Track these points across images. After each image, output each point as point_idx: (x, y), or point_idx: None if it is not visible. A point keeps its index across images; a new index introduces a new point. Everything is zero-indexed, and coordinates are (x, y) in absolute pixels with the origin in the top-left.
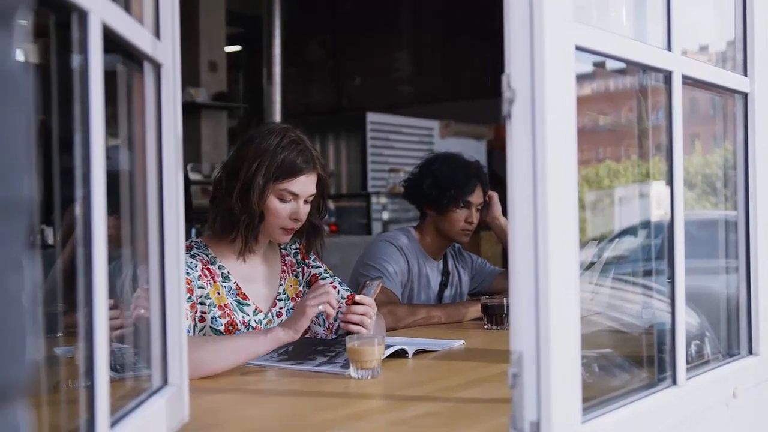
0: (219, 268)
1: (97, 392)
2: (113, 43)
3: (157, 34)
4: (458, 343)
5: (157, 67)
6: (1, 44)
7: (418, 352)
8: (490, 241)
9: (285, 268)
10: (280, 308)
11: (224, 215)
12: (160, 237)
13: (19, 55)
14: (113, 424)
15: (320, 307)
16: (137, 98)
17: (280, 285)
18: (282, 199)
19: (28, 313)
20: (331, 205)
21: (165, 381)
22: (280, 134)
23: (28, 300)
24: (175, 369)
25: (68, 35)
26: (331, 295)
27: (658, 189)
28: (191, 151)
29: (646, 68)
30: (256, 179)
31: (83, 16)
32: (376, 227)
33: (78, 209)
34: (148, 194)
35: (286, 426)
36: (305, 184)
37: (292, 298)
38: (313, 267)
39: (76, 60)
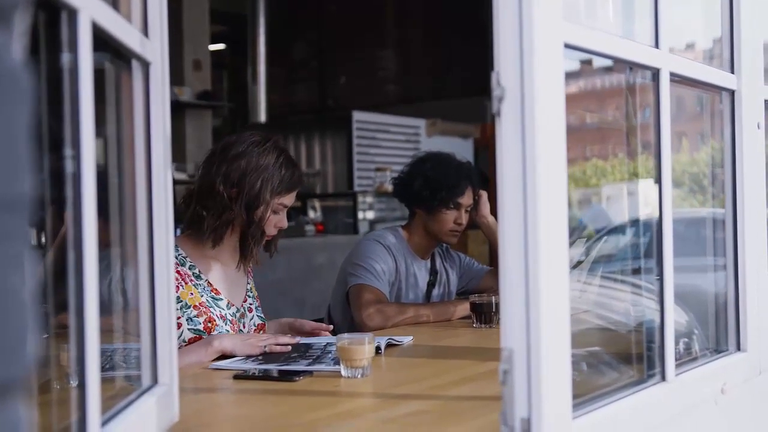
0: (189, 268)
1: (89, 392)
2: (101, 41)
3: (145, 32)
4: (407, 339)
5: (145, 65)
6: (1, 42)
7: (389, 346)
8: (477, 240)
9: (249, 268)
10: (250, 304)
11: (225, 225)
12: (149, 237)
13: (19, 53)
14: (104, 423)
15: (266, 348)
16: (125, 97)
17: (248, 283)
18: (276, 212)
19: (30, 310)
20: (317, 204)
21: (155, 380)
22: (275, 150)
23: (29, 297)
24: (165, 368)
25: (56, 33)
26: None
27: (645, 187)
28: (175, 151)
29: (634, 65)
30: (263, 196)
31: (73, 14)
32: (363, 226)
33: (68, 209)
34: (137, 194)
35: (276, 425)
36: (294, 197)
37: (256, 297)
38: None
39: (65, 58)
